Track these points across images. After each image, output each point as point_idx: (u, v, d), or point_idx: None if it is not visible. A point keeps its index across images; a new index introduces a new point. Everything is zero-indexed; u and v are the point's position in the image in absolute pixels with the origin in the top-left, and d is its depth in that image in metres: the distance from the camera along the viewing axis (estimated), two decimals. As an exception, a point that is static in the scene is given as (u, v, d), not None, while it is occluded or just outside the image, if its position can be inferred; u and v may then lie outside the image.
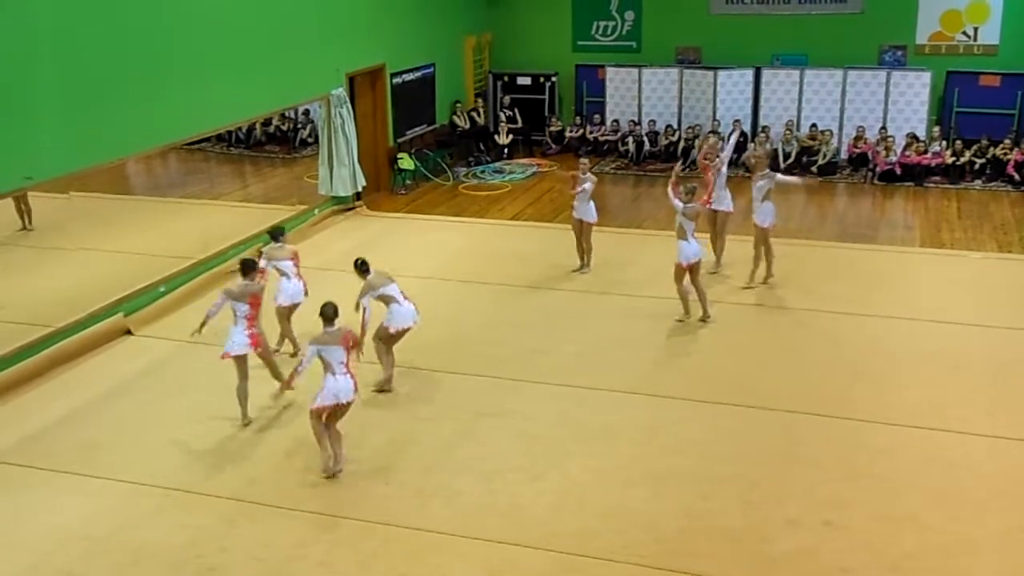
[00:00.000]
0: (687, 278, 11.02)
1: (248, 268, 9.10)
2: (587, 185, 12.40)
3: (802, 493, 7.76)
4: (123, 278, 11.57)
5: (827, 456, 8.29)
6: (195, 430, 8.94)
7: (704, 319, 11.09)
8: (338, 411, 8.12)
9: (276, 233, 10.56)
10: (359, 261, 9.55)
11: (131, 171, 16.08)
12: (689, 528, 7.38)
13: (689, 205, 10.90)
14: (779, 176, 12.39)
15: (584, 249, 12.73)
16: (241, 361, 8.90)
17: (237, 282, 9.14)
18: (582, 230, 12.66)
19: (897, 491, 7.75)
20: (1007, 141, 17.15)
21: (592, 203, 12.50)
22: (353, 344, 8.29)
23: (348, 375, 8.06)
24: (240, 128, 17.96)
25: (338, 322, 8.12)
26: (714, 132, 18.15)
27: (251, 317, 8.93)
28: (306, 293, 10.25)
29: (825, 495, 7.72)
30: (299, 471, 8.25)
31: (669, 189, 11.24)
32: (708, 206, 11.92)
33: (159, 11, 11.53)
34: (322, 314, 8.10)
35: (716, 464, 8.21)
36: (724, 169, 12.33)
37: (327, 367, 8.03)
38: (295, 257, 10.33)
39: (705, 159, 12.59)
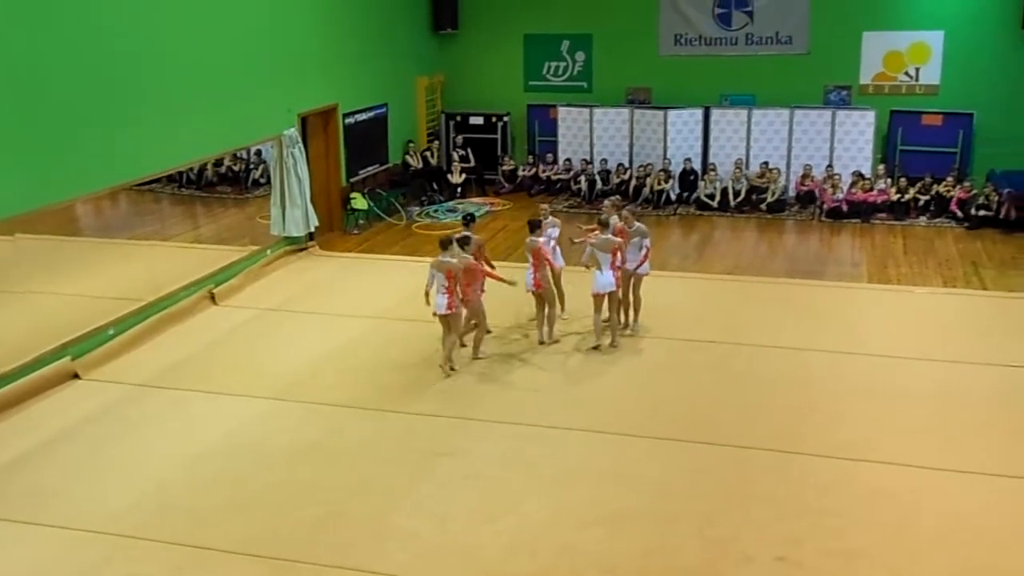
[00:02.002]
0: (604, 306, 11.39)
1: (446, 244, 10.90)
2: (553, 231, 12.18)
3: (756, 529, 7.80)
4: (71, 321, 11.39)
5: (780, 492, 8.34)
6: (144, 475, 8.80)
7: (611, 346, 11.51)
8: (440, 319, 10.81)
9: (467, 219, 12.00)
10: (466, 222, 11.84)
11: (80, 212, 15.88)
12: (646, 567, 7.37)
13: (603, 238, 11.21)
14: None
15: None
16: (442, 320, 10.86)
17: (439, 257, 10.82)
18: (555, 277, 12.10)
19: (848, 526, 7.81)
20: (950, 178, 17.53)
21: (559, 248, 12.28)
22: (449, 276, 10.64)
23: (445, 295, 10.62)
24: (191, 169, 17.84)
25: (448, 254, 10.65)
26: (664, 170, 18.45)
27: (449, 287, 10.71)
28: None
29: (778, 531, 7.76)
30: (250, 515, 8.14)
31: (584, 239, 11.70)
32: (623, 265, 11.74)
33: (110, 52, 11.45)
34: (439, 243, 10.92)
35: (672, 501, 8.23)
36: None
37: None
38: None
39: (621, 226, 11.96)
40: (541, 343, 11.66)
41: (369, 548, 7.66)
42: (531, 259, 11.41)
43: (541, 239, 11.49)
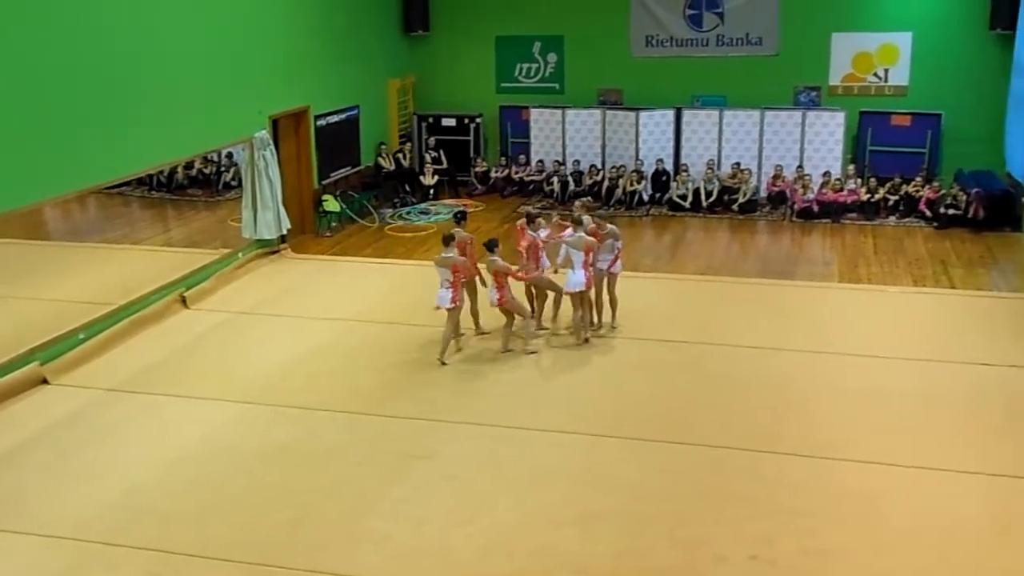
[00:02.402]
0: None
1: (447, 240, 11.21)
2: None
3: (729, 529, 7.83)
4: (40, 326, 11.27)
5: (754, 491, 8.38)
6: (115, 480, 8.72)
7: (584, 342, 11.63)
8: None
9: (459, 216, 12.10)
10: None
11: (48, 216, 15.76)
12: (619, 567, 7.39)
13: (577, 235, 11.30)
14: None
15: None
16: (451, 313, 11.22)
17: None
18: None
19: (822, 524, 7.85)
20: (919, 179, 17.68)
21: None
22: (455, 271, 10.99)
23: (449, 290, 11.00)
24: (162, 171, 17.73)
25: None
26: (637, 171, 18.52)
27: (453, 282, 11.05)
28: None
29: (752, 530, 7.79)
30: (223, 519, 8.09)
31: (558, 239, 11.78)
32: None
33: (79, 54, 11.36)
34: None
35: (645, 502, 8.25)
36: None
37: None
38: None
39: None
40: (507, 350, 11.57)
41: (343, 551, 7.63)
42: (493, 279, 11.34)
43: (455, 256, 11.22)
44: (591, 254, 11.38)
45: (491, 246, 11.38)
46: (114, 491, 8.56)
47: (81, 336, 11.59)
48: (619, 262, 12.03)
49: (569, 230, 11.71)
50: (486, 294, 11.52)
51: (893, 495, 8.27)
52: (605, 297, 12.06)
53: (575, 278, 11.32)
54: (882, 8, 18.50)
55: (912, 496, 8.26)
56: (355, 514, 8.15)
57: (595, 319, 12.03)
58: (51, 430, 9.78)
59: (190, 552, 7.63)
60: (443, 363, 11.12)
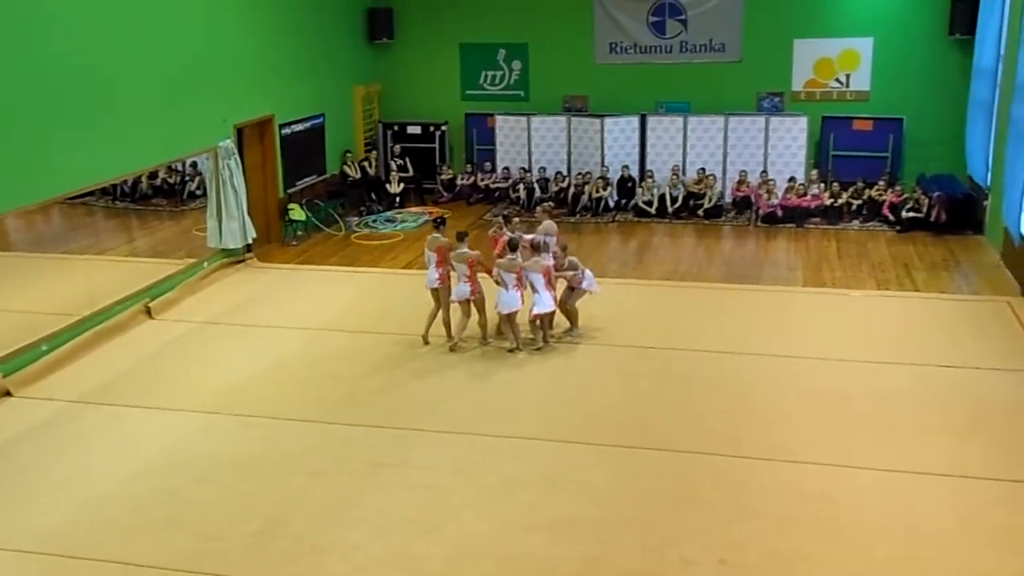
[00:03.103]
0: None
1: (462, 237, 11.87)
2: (550, 239, 12.21)
3: (698, 533, 7.86)
4: (2, 337, 11.17)
5: (720, 495, 8.42)
6: (79, 492, 8.64)
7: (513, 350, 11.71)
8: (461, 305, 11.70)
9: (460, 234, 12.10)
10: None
11: (10, 227, 15.57)
12: (588, 573, 7.40)
13: (508, 258, 11.48)
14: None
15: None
16: (464, 304, 11.72)
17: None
18: None
19: (788, 528, 7.90)
20: (881, 183, 17.85)
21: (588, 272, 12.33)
22: (471, 264, 11.52)
23: (468, 283, 11.53)
24: (125, 181, 17.58)
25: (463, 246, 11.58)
26: (602, 178, 18.59)
27: (470, 275, 11.56)
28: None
29: (720, 535, 7.83)
30: (188, 531, 8.03)
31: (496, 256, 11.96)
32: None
33: (41, 64, 11.27)
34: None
35: (614, 507, 8.27)
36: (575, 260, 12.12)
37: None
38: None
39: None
40: (426, 343, 11.89)
41: (309, 561, 7.60)
42: (467, 269, 11.60)
43: (469, 250, 11.78)
44: (549, 275, 11.53)
45: (460, 237, 11.77)
46: (79, 504, 8.47)
47: (44, 348, 11.47)
48: (588, 282, 12.04)
49: (509, 256, 11.62)
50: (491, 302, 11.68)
51: (860, 497, 8.34)
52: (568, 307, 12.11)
53: (542, 300, 11.45)
54: (843, 14, 18.68)
55: (879, 498, 8.33)
56: (323, 524, 8.11)
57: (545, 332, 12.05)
58: (14, 443, 9.67)
59: (156, 564, 7.56)
60: (484, 342, 11.83)
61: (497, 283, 11.65)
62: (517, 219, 12.41)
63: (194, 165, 17.99)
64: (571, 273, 11.90)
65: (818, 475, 8.72)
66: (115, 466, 9.07)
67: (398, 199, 19.26)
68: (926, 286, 14.04)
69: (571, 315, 12.10)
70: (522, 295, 11.51)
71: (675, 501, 8.36)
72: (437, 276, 11.85)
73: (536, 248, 11.67)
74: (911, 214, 16.92)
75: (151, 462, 9.15)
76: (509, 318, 11.60)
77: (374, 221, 18.29)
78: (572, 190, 18.82)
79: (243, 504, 8.36)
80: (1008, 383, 10.60)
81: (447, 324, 11.93)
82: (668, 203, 18.32)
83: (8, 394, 10.73)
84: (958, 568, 7.39)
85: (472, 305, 11.75)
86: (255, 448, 9.43)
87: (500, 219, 12.81)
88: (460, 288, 11.64)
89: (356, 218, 18.37)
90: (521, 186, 19.21)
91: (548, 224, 12.35)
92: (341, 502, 8.45)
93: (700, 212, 18.18)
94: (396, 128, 20.66)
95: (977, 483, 8.54)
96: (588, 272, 12.04)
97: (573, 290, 12.00)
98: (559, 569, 7.44)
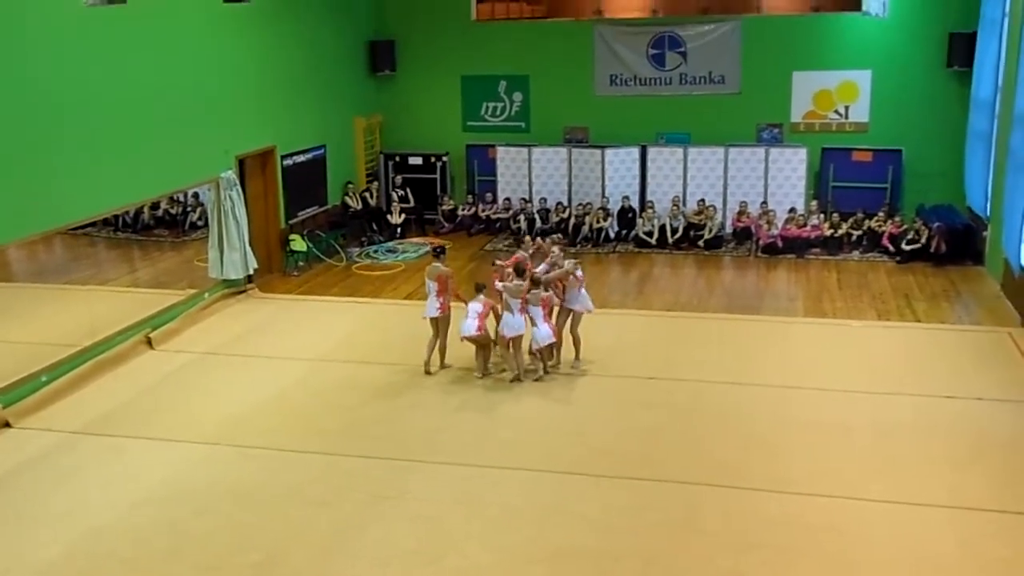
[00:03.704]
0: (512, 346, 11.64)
1: (437, 253, 12.32)
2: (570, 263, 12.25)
3: (700, 565, 7.83)
4: (2, 368, 11.16)
5: (723, 527, 8.39)
6: (79, 524, 8.60)
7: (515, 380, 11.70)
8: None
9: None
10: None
11: (12, 257, 15.60)
12: (589, 605, 7.37)
13: (515, 283, 11.47)
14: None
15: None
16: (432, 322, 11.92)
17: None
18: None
19: (792, 560, 7.87)
20: (881, 214, 17.89)
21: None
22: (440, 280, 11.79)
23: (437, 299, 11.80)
24: (127, 212, 17.62)
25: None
26: (603, 208, 18.64)
27: (439, 291, 11.82)
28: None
29: (722, 567, 7.79)
30: (188, 563, 7.99)
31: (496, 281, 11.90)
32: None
33: (45, 94, 11.35)
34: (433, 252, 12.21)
35: (615, 539, 8.24)
36: (579, 273, 12.06)
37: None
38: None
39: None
40: (428, 373, 11.91)
41: (311, 593, 7.56)
42: (436, 286, 11.89)
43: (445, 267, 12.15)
44: (548, 308, 11.65)
45: (436, 252, 12.29)
46: (78, 535, 8.44)
47: (44, 379, 11.46)
48: (578, 304, 12.05)
49: (516, 281, 11.61)
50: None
51: (863, 529, 8.31)
52: (572, 334, 12.09)
53: (541, 333, 11.49)
54: (841, 47, 18.78)
55: (882, 530, 8.30)
56: (323, 555, 8.07)
57: (556, 357, 12.10)
58: (13, 474, 9.65)
59: (155, 597, 7.54)
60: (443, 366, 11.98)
61: (481, 308, 11.66)
62: (559, 235, 12.44)
63: (196, 196, 18.03)
64: (560, 272, 11.92)
65: (821, 506, 8.68)
66: (115, 497, 9.04)
67: (399, 230, 19.30)
68: (927, 317, 14.04)
69: (576, 343, 12.09)
70: (526, 320, 11.52)
71: (678, 532, 8.33)
72: (437, 305, 11.89)
73: (536, 283, 11.68)
74: (911, 246, 16.94)
75: (151, 493, 9.12)
76: (513, 343, 11.58)
77: (375, 252, 18.32)
78: (573, 221, 18.87)
79: (243, 536, 8.33)
80: (1009, 414, 10.58)
81: (443, 351, 12.03)
82: (669, 234, 18.37)
83: (7, 425, 10.71)
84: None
85: (438, 324, 11.89)
86: (255, 479, 9.40)
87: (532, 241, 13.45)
88: (430, 303, 11.89)
89: (357, 249, 18.40)
90: (522, 217, 19.25)
91: (556, 255, 12.28)
92: (342, 533, 8.41)
93: (701, 243, 18.22)
94: (397, 159, 20.74)
95: (982, 515, 8.50)
96: (583, 291, 12.05)
97: (572, 315, 11.99)
98: (560, 601, 7.40)
